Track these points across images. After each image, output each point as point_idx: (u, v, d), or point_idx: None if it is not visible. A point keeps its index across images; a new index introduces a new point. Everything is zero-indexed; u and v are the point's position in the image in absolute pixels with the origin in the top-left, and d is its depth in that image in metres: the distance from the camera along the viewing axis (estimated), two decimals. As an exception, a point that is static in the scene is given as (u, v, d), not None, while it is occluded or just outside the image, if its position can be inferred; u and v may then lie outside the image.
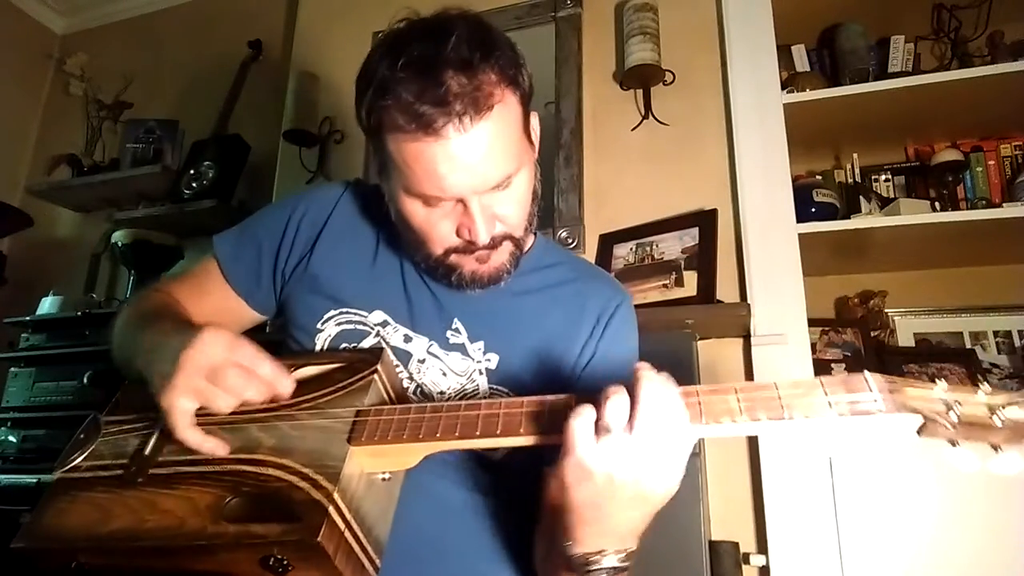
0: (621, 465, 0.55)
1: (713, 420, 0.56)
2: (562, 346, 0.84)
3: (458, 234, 0.76)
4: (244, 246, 0.93)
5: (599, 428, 0.55)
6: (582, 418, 0.56)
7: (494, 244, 0.77)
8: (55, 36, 3.10)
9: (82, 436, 0.78)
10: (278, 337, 0.95)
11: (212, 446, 0.68)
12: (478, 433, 0.63)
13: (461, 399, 0.81)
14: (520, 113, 0.75)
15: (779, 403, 0.55)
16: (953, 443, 0.52)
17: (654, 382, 0.55)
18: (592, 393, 0.58)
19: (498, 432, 0.62)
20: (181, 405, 0.67)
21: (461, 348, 0.84)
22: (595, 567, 0.60)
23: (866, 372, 0.55)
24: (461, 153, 0.69)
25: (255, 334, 1.02)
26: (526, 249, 0.88)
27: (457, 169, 0.70)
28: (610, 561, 0.60)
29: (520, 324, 0.85)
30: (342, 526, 0.62)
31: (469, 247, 0.76)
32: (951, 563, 1.28)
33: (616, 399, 0.55)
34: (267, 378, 0.69)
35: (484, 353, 0.83)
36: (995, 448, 0.51)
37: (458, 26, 0.71)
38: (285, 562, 0.61)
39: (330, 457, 0.65)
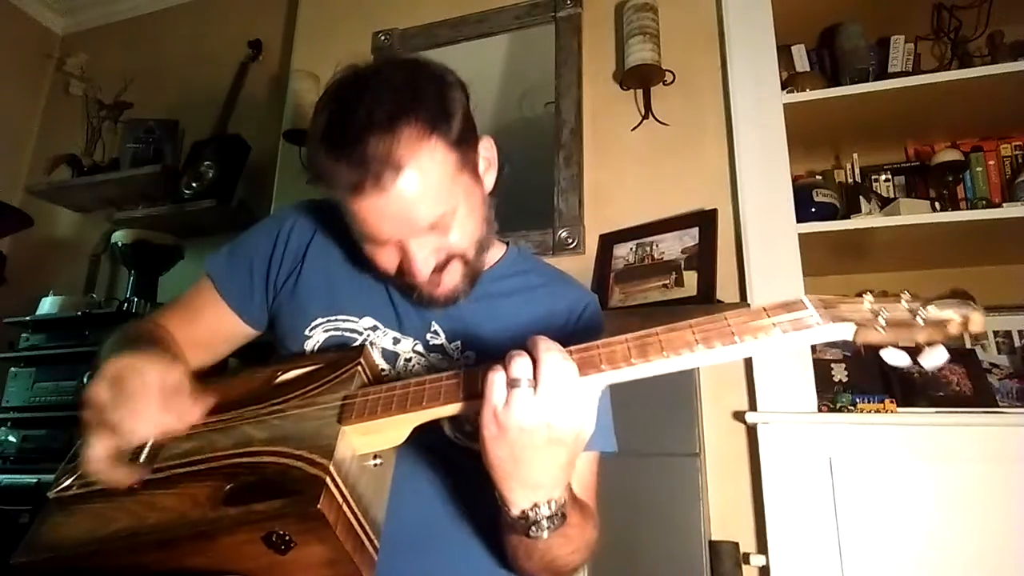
0: (529, 414, 0.59)
1: (673, 353, 0.60)
2: None
3: (401, 269, 0.80)
4: (236, 263, 0.96)
5: (509, 382, 0.60)
6: (498, 373, 0.61)
7: (441, 268, 0.81)
8: (55, 36, 3.10)
9: (73, 459, 0.78)
10: (270, 338, 0.97)
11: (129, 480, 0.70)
12: (462, 395, 0.65)
13: None
14: (451, 158, 0.76)
15: (730, 331, 0.59)
16: (885, 345, 0.58)
17: (548, 342, 0.61)
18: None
19: (480, 391, 0.64)
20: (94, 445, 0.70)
21: (440, 349, 0.88)
22: (533, 521, 0.64)
23: (802, 295, 0.61)
24: (386, 207, 0.73)
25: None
26: (497, 255, 0.95)
27: (385, 221, 0.75)
28: (544, 512, 0.64)
29: (495, 324, 0.89)
30: (340, 499, 0.63)
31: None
32: (951, 563, 1.28)
33: (520, 359, 0.60)
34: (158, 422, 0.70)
35: (463, 352, 0.88)
36: (922, 345, 0.57)
37: (381, 81, 0.76)
38: (288, 537, 0.62)
39: (322, 438, 0.67)
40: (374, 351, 0.87)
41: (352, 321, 0.90)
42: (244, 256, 0.96)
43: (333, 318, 0.90)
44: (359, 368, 0.76)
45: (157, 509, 0.67)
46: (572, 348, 0.63)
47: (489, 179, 0.86)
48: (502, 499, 0.65)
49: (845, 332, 0.58)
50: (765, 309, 0.60)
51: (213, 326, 0.95)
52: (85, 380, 1.92)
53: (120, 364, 0.72)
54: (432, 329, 0.89)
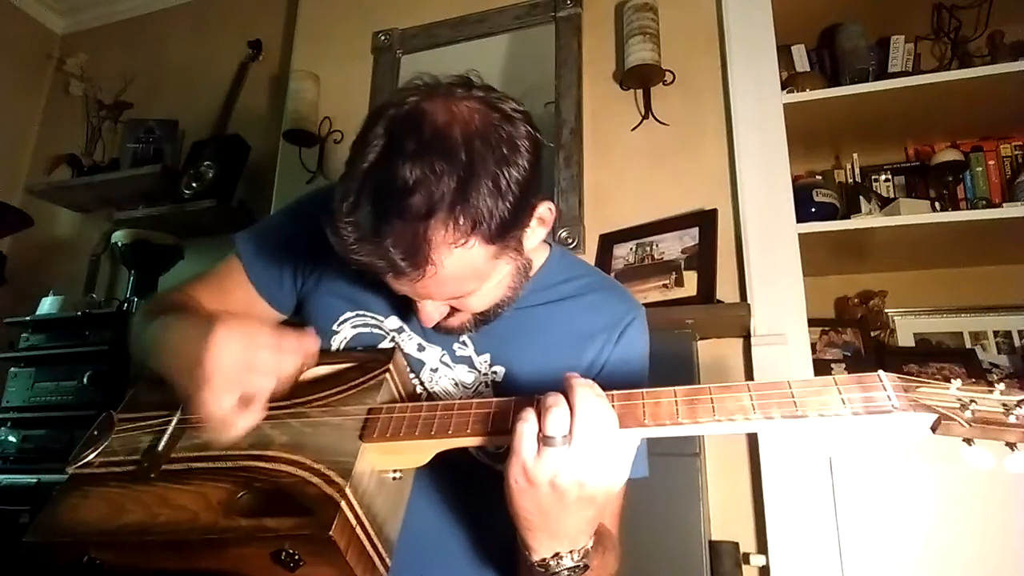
0: (563, 472, 0.55)
1: (726, 417, 0.56)
2: (570, 358, 0.83)
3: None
4: (266, 245, 0.93)
5: (542, 439, 0.56)
6: (529, 423, 0.57)
7: (449, 315, 0.78)
8: (55, 36, 3.10)
9: (96, 433, 0.78)
10: (294, 320, 0.95)
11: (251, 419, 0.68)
12: (490, 429, 0.63)
13: None
14: (489, 250, 0.68)
15: (792, 401, 0.55)
16: (968, 441, 0.52)
17: (587, 389, 0.56)
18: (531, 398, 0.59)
19: (510, 427, 0.62)
20: (223, 406, 0.65)
21: (468, 361, 0.84)
22: (553, 572, 0.62)
23: (880, 372, 0.55)
24: (406, 284, 0.69)
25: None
26: (538, 262, 0.87)
27: (403, 287, 0.70)
28: (567, 563, 0.61)
29: (526, 338, 0.84)
30: (354, 522, 0.62)
31: None
32: (951, 563, 1.28)
33: (556, 411, 0.55)
34: (290, 364, 0.70)
35: (491, 366, 0.83)
36: (1011, 446, 0.51)
37: (439, 149, 0.64)
38: (297, 557, 0.61)
39: (342, 453, 0.66)
40: (401, 355, 0.83)
41: (378, 320, 0.86)
42: (274, 241, 0.92)
43: (362, 313, 0.86)
44: (387, 376, 0.74)
45: (170, 506, 0.67)
46: (615, 393, 0.59)
47: (535, 238, 0.77)
48: (523, 544, 0.62)
49: (924, 422, 0.52)
50: (836, 381, 0.55)
51: (241, 306, 0.91)
52: (86, 380, 1.93)
53: (234, 327, 0.67)
54: (460, 339, 0.84)
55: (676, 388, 0.59)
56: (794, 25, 1.88)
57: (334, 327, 0.86)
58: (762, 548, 1.42)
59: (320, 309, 0.88)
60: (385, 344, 0.85)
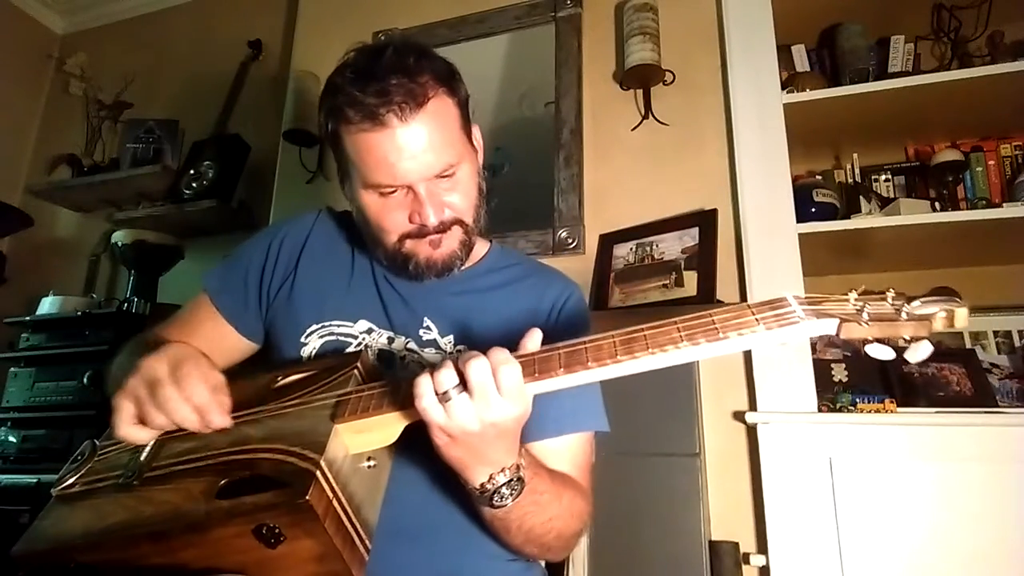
0: (470, 419, 0.62)
1: (659, 349, 0.61)
2: (524, 330, 0.89)
3: (410, 220, 0.85)
4: (231, 275, 0.99)
5: (439, 397, 0.62)
6: (426, 397, 0.62)
7: (444, 228, 0.86)
8: (55, 36, 3.10)
9: (78, 458, 0.80)
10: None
11: (146, 436, 0.76)
12: None
13: None
14: (457, 114, 0.85)
15: (715, 327, 0.61)
16: (869, 340, 0.60)
17: (472, 351, 0.63)
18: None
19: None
20: (122, 405, 0.75)
21: (433, 343, 0.91)
22: (494, 491, 0.69)
23: (786, 293, 0.62)
24: (405, 142, 0.79)
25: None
26: (481, 252, 0.99)
27: (403, 158, 0.80)
28: (501, 479, 0.69)
29: (484, 317, 0.92)
30: (330, 493, 0.64)
31: (422, 231, 0.85)
32: (951, 563, 1.28)
33: (443, 370, 0.62)
34: (199, 404, 0.74)
35: (455, 345, 0.91)
36: (906, 340, 0.59)
37: (397, 43, 0.84)
38: (277, 530, 0.62)
39: (316, 435, 0.68)
40: (370, 353, 0.89)
41: (347, 326, 0.92)
42: (238, 269, 0.99)
43: (328, 323, 0.92)
44: (355, 372, 0.77)
45: (153, 503, 0.69)
46: (559, 345, 0.65)
47: (481, 154, 0.93)
48: (463, 479, 0.70)
49: (828, 327, 0.59)
50: (750, 307, 0.62)
51: (212, 340, 0.96)
52: (86, 380, 1.93)
53: (180, 348, 0.76)
54: (424, 324, 0.91)
55: (614, 332, 0.64)
56: (794, 25, 1.88)
57: (302, 339, 0.92)
58: (762, 548, 1.42)
59: (287, 324, 0.94)
60: (352, 348, 0.90)
